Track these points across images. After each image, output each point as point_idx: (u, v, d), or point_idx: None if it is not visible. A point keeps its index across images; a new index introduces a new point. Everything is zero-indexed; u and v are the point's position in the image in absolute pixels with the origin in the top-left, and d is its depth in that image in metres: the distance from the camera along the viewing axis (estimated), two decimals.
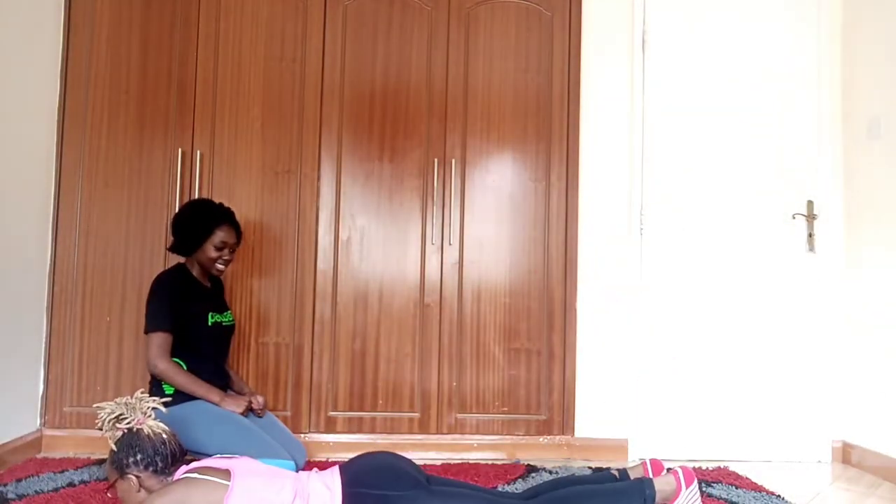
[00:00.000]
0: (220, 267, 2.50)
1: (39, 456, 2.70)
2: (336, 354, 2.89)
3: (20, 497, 2.16)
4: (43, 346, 2.81)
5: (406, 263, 2.94)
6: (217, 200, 2.86)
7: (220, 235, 2.46)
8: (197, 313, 2.44)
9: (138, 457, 1.74)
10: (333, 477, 1.80)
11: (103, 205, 2.86)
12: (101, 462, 2.54)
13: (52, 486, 2.27)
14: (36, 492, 2.21)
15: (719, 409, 3.03)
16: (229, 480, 1.68)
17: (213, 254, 2.46)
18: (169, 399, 2.08)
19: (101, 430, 1.79)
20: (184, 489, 1.66)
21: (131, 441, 1.76)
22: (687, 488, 1.97)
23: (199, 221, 2.46)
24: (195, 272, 2.52)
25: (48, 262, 2.83)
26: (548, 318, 2.96)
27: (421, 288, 2.93)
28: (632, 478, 2.08)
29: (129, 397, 1.82)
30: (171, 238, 2.52)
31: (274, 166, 2.92)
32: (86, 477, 2.38)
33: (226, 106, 2.91)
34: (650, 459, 2.13)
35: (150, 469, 1.74)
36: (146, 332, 2.36)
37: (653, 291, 3.04)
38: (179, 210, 2.60)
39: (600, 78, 3.08)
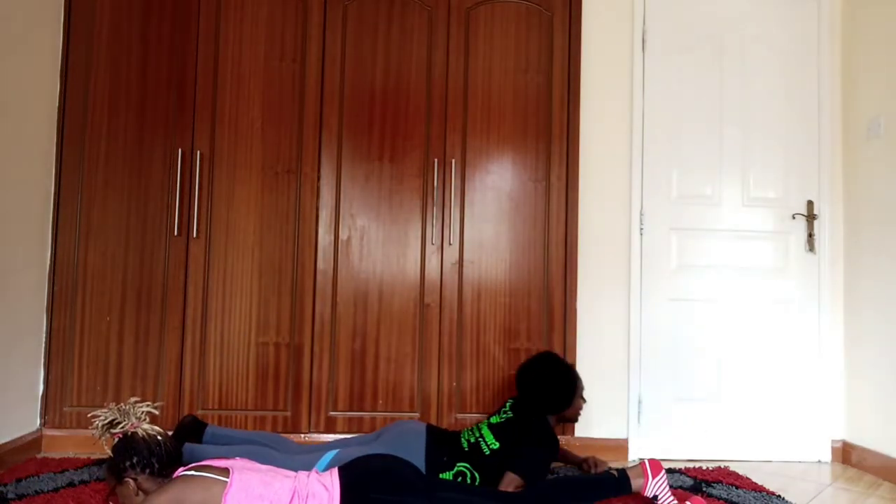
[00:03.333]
0: (580, 412, 2.58)
1: (39, 456, 2.71)
2: (336, 354, 2.89)
3: (20, 497, 2.16)
4: (43, 346, 2.82)
5: (406, 263, 2.94)
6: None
7: (581, 383, 2.56)
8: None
9: (134, 459, 1.74)
10: (333, 479, 1.80)
11: (103, 205, 2.86)
12: (100, 462, 2.54)
13: (52, 486, 2.27)
14: (36, 492, 2.21)
15: (719, 409, 3.03)
16: (228, 477, 1.68)
17: (581, 402, 2.55)
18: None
19: (97, 437, 1.80)
20: (182, 486, 1.66)
21: (126, 445, 1.76)
22: (654, 479, 2.11)
23: (570, 375, 2.51)
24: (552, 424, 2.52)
25: (48, 262, 2.83)
26: (548, 318, 2.96)
27: (421, 288, 2.93)
28: (631, 478, 2.11)
29: (122, 403, 1.84)
30: (537, 400, 2.47)
31: (274, 166, 2.92)
32: (86, 477, 2.38)
33: (226, 106, 2.92)
34: (649, 460, 2.16)
35: (147, 471, 1.74)
36: (514, 469, 2.30)
37: (653, 291, 3.04)
38: (545, 370, 2.51)
39: (600, 78, 3.09)
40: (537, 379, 2.50)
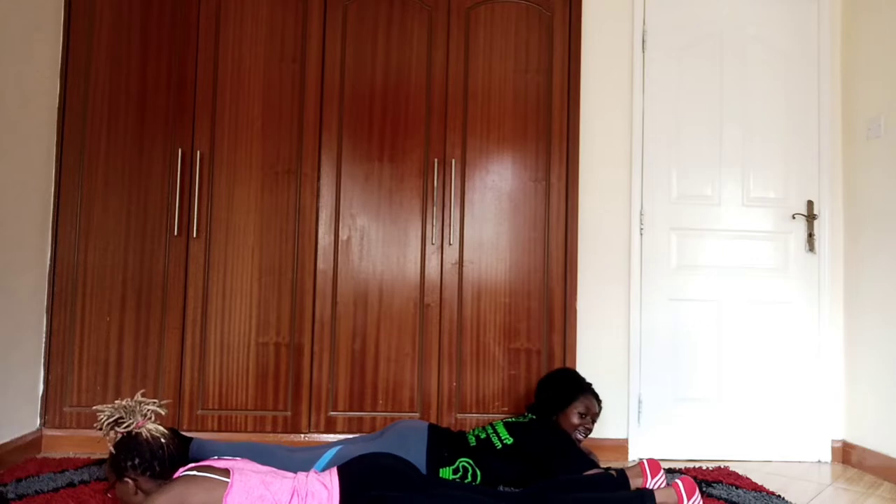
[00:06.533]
0: (579, 437, 2.59)
1: (39, 456, 2.71)
2: (336, 354, 2.89)
3: (20, 497, 2.16)
4: (43, 346, 2.82)
5: (406, 263, 2.94)
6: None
7: (583, 403, 2.59)
8: None
9: (136, 461, 1.74)
10: (332, 478, 1.81)
11: (103, 205, 2.86)
12: (100, 462, 2.54)
13: (52, 486, 2.26)
14: (36, 492, 2.21)
15: (719, 409, 3.03)
16: (228, 478, 1.68)
17: (576, 420, 2.57)
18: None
19: (102, 435, 1.80)
20: (183, 486, 1.66)
21: (129, 445, 1.76)
22: (688, 501, 1.96)
23: (565, 386, 2.62)
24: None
25: (48, 262, 2.83)
26: (548, 318, 2.96)
27: (421, 288, 2.93)
28: (629, 478, 2.10)
29: (128, 399, 1.83)
30: (539, 400, 2.65)
31: (274, 166, 2.92)
32: (86, 477, 2.38)
33: (226, 106, 2.91)
34: (647, 460, 2.16)
35: (147, 474, 1.74)
36: (561, 465, 2.34)
37: (652, 291, 3.04)
38: (550, 375, 2.72)
39: (600, 78, 3.09)
40: (542, 381, 2.69)
